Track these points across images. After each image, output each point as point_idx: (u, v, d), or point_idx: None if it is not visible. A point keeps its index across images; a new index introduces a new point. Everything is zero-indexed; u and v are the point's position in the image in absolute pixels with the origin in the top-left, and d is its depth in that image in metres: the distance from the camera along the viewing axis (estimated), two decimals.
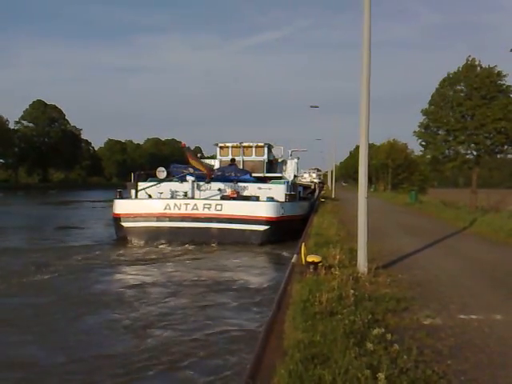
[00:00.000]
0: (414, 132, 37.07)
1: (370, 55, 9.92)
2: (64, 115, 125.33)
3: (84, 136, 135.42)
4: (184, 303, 11.36)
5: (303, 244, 11.66)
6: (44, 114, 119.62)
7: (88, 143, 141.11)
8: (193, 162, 23.26)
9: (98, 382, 7.05)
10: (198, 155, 31.18)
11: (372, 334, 5.92)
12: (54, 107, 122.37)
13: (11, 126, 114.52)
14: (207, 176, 22.59)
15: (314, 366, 4.85)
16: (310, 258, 9.63)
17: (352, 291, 7.61)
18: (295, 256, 12.01)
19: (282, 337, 6.20)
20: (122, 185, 27.98)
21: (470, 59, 35.31)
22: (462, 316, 7.22)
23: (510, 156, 36.48)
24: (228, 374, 7.16)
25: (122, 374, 7.20)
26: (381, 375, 4.45)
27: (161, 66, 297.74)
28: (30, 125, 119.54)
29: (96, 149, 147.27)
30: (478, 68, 34.78)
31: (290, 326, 6.44)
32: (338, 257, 10.31)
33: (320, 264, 9.50)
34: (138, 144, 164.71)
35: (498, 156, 36.64)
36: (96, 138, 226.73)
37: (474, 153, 35.30)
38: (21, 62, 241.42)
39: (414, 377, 4.81)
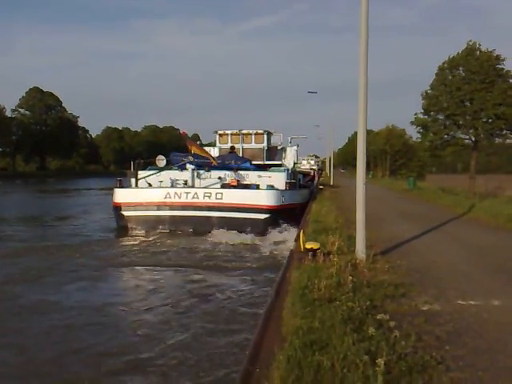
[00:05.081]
0: (415, 114, 37.01)
1: (368, 40, 9.80)
2: (61, 102, 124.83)
3: (81, 123, 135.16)
4: (184, 291, 11.44)
5: (302, 231, 11.67)
6: (41, 101, 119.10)
7: (85, 131, 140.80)
8: (194, 149, 23.15)
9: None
10: (197, 143, 31.06)
11: (374, 319, 5.95)
12: (51, 94, 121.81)
13: (8, 113, 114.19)
14: (212, 162, 22.50)
15: (312, 352, 4.86)
16: (309, 245, 9.64)
17: (350, 278, 7.61)
18: (294, 243, 12.02)
19: (280, 323, 6.21)
20: (119, 173, 27.87)
21: (471, 43, 35.19)
22: (460, 302, 7.24)
23: (508, 141, 36.46)
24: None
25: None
26: (380, 361, 4.46)
27: (159, 52, 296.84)
28: (27, 113, 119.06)
29: (93, 136, 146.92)
30: (478, 52, 34.66)
31: (289, 313, 6.45)
32: (336, 243, 10.30)
33: (318, 251, 9.51)
34: (136, 131, 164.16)
35: (497, 141, 36.64)
36: (93, 125, 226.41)
37: (473, 138, 35.30)
38: (16, 48, 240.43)
39: (412, 362, 4.82)
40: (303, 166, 57.96)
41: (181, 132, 31.56)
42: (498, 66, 33.96)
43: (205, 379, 6.76)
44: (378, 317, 6.02)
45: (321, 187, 38.94)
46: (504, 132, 34.55)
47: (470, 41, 35.36)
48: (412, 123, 37.15)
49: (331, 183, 51.56)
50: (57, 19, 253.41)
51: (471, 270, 9.55)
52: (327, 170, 77.76)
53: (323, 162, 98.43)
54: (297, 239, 11.87)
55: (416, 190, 38.74)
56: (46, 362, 7.46)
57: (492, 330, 6.04)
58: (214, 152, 26.74)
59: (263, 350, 5.42)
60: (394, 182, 54.00)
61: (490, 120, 33.69)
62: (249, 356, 5.20)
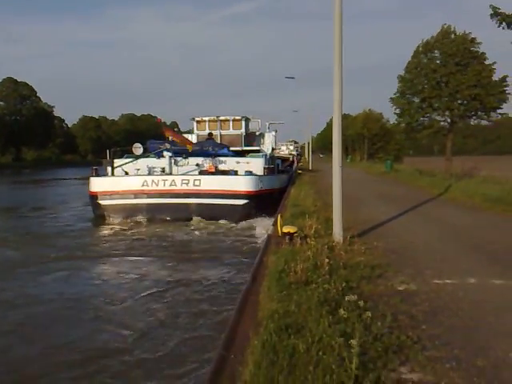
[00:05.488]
0: (391, 98, 37.15)
1: (341, 26, 9.76)
2: (35, 92, 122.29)
3: (57, 113, 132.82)
4: (163, 277, 11.35)
5: (279, 215, 11.63)
6: (15, 91, 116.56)
7: (61, 120, 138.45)
8: (170, 135, 22.91)
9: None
10: (175, 129, 30.77)
11: (345, 301, 5.91)
12: (25, 84, 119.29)
13: None
14: (188, 146, 22.25)
15: (288, 336, 4.81)
16: (286, 229, 9.59)
17: (327, 260, 7.56)
18: (271, 227, 11.97)
19: (257, 308, 6.15)
20: (97, 162, 27.46)
21: (446, 26, 35.33)
22: (436, 281, 7.26)
23: (483, 122, 36.87)
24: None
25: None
26: (354, 342, 4.41)
27: (134, 40, 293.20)
28: (1, 103, 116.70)
29: (70, 126, 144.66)
30: (453, 35, 34.82)
31: (266, 297, 6.39)
32: (313, 227, 10.26)
33: (296, 234, 9.45)
34: (113, 120, 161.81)
35: (472, 122, 36.99)
36: (69, 114, 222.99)
37: (449, 120, 35.59)
38: None
39: (388, 343, 4.81)
40: (282, 151, 58.12)
41: (157, 119, 31.23)
42: (472, 48, 34.16)
43: (181, 369, 6.70)
44: (347, 298, 5.97)
45: (300, 172, 39.02)
46: (479, 113, 34.87)
47: (445, 24, 35.53)
48: (391, 100, 37.20)
49: (310, 168, 51.66)
50: (31, 8, 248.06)
51: (447, 249, 9.60)
52: (306, 155, 77.91)
53: (302, 148, 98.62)
54: (275, 223, 11.81)
55: (393, 172, 39.00)
56: (24, 357, 7.30)
57: (467, 308, 6.06)
58: (192, 139, 26.49)
59: (239, 335, 5.35)
60: (372, 166, 54.29)
61: (466, 102, 34.00)
62: (224, 341, 5.12)
